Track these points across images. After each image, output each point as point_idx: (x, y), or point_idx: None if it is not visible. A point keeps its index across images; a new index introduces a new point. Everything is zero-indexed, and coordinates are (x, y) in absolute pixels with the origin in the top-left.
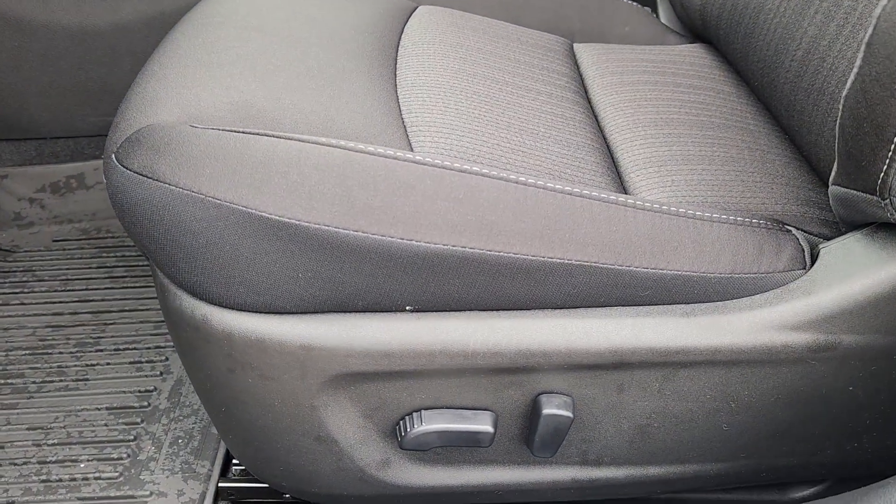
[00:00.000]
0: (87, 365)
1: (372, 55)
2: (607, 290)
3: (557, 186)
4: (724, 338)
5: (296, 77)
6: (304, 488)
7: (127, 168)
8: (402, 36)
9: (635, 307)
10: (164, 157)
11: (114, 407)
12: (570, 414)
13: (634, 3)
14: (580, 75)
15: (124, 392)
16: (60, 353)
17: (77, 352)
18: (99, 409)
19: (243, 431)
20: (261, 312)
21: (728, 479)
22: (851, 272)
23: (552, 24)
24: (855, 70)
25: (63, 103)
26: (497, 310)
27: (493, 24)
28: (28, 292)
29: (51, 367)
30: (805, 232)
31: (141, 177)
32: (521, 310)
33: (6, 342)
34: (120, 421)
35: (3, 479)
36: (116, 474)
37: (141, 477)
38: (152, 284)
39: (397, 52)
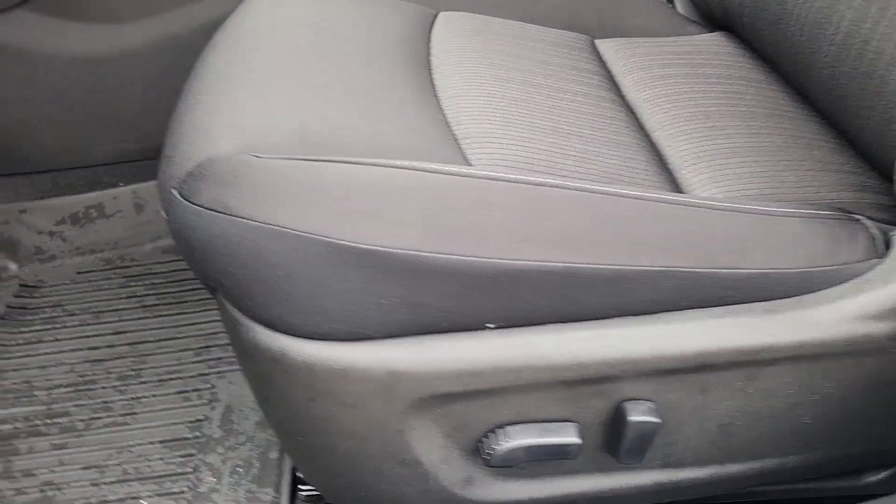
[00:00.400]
0: (132, 398)
1: (408, 67)
2: (689, 293)
3: (632, 192)
4: (807, 332)
5: (342, 96)
6: None
7: (194, 203)
8: (431, 44)
9: (716, 308)
10: (235, 190)
11: (167, 439)
12: (657, 419)
13: None
14: (609, 72)
15: (175, 423)
16: (103, 387)
17: (120, 385)
18: (152, 443)
19: (323, 459)
20: (342, 341)
21: (806, 470)
22: None
23: (569, 21)
24: None
25: (76, 133)
26: (579, 320)
27: (514, 26)
28: (60, 328)
29: (96, 403)
30: (869, 218)
31: (212, 212)
32: (603, 318)
33: (46, 380)
34: (175, 453)
35: None
36: None
37: None
38: (186, 311)
39: (429, 60)
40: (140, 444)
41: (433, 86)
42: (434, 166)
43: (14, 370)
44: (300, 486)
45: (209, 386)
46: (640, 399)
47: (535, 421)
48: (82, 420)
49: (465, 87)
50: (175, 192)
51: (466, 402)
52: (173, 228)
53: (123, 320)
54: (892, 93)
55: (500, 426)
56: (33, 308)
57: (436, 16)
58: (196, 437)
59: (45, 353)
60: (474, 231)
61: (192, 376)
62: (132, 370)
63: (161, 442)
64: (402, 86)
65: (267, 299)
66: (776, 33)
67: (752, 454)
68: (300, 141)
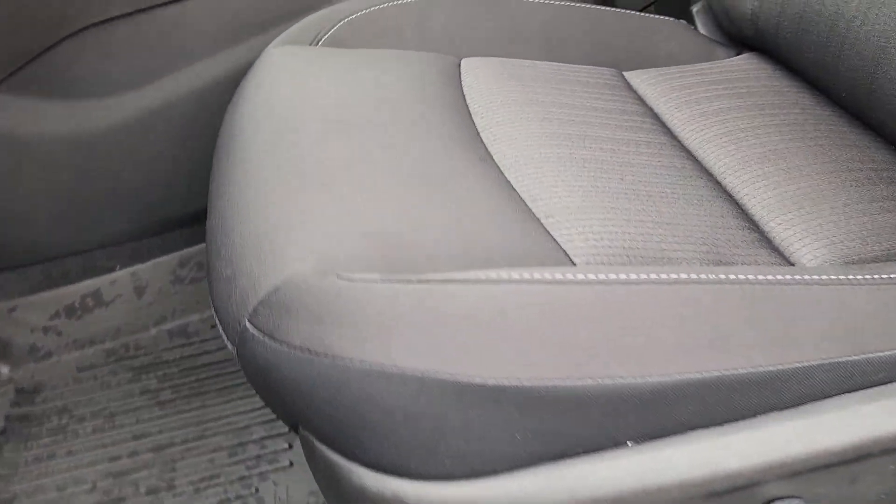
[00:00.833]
0: None
1: (456, 133)
2: (842, 382)
3: (771, 277)
4: None
5: (404, 184)
6: None
7: (276, 340)
8: (467, 99)
9: (867, 391)
10: (330, 326)
11: None
12: None
13: (672, 19)
14: (652, 110)
15: None
16: None
17: (153, 500)
18: None
19: None
20: (467, 478)
21: None
22: None
23: (594, 55)
24: None
25: (68, 218)
26: (723, 424)
27: (541, 66)
28: (72, 438)
29: None
30: None
31: (304, 353)
32: (748, 419)
33: None
34: None
35: None
36: None
37: None
38: (209, 404)
39: (472, 121)
40: None
41: (489, 153)
42: (559, 275)
43: (28, 496)
44: None
45: (252, 490)
46: (787, 497)
47: None
48: None
49: (523, 150)
50: (248, 326)
51: None
52: (248, 369)
53: (141, 422)
54: None
55: None
56: (37, 417)
57: (458, 64)
58: None
59: (61, 472)
60: (617, 348)
61: (231, 482)
62: (162, 481)
63: None
64: (460, 160)
65: (376, 444)
66: (826, 55)
67: None
68: (383, 253)
